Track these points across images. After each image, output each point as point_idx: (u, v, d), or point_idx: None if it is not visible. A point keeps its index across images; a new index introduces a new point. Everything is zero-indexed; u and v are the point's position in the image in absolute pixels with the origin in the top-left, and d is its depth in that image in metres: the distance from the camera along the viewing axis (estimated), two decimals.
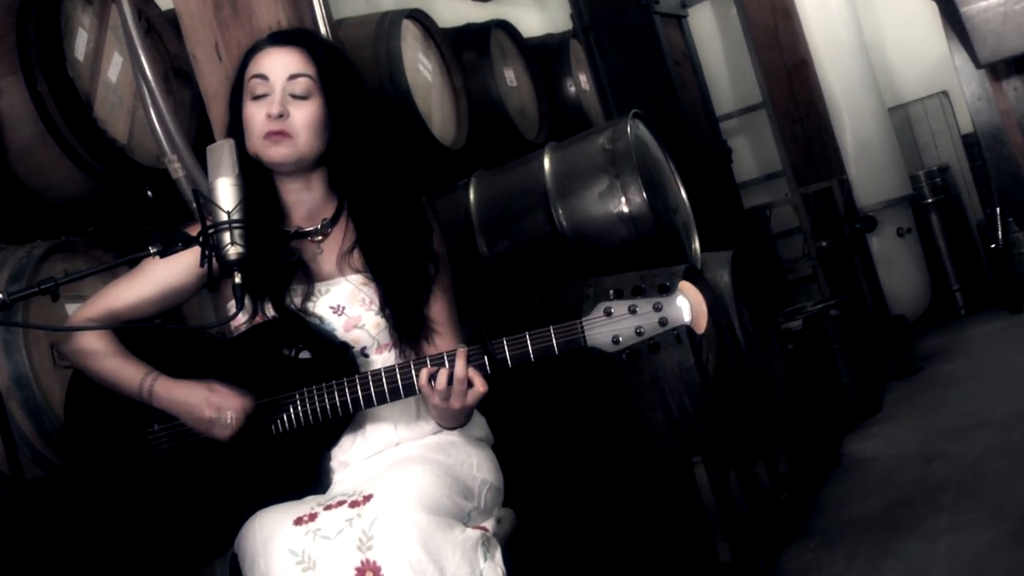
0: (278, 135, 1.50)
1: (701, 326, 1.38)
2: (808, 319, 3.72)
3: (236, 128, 1.55)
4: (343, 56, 1.61)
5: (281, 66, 1.51)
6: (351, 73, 1.58)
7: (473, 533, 1.43)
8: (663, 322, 1.38)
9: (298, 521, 1.39)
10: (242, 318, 1.55)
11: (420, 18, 3.25)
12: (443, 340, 1.56)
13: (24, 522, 1.77)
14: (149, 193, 2.37)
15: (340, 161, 1.56)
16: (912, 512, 2.77)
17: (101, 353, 1.53)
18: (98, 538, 1.80)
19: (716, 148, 4.33)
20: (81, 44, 2.29)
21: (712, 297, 2.65)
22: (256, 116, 1.51)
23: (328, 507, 1.41)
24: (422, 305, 1.55)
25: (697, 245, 2.90)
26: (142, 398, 1.51)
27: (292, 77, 1.51)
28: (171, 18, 2.34)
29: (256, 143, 1.52)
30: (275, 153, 1.51)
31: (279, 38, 1.56)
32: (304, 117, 1.50)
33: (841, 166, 4.96)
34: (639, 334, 1.38)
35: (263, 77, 1.51)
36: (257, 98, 1.52)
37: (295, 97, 1.51)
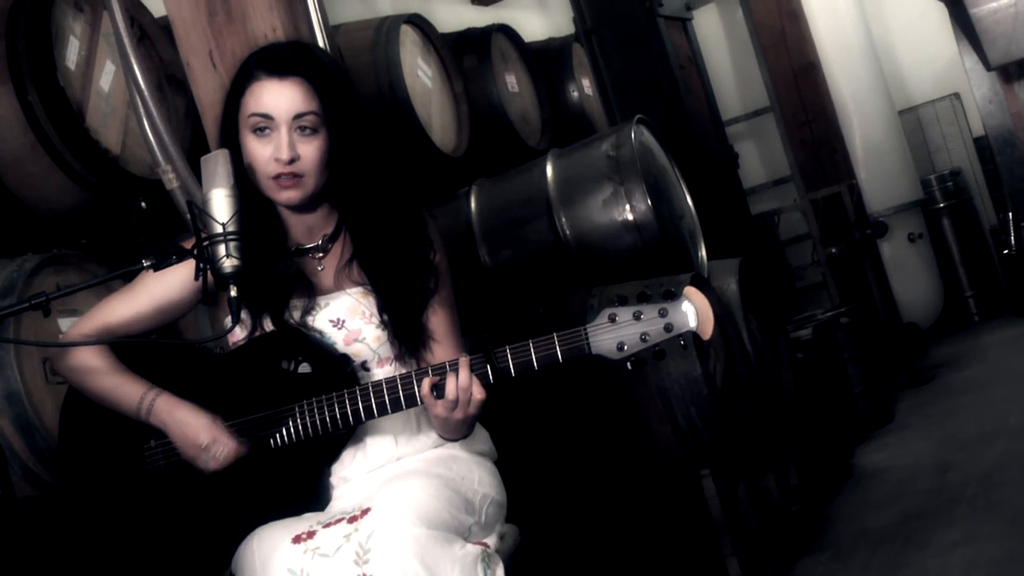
0: (288, 179, 1.47)
1: (707, 332, 1.36)
2: (818, 327, 3.70)
3: (231, 143, 1.51)
4: (339, 70, 1.57)
5: (285, 104, 1.46)
6: (350, 91, 1.54)
7: (473, 549, 1.41)
8: (668, 328, 1.36)
9: (297, 539, 1.38)
10: (242, 333, 1.53)
11: (419, 23, 3.25)
12: (444, 351, 1.54)
13: (15, 543, 1.74)
14: (143, 204, 2.37)
15: (342, 186, 1.53)
16: (926, 524, 2.73)
17: (99, 370, 1.51)
18: (92, 558, 1.77)
19: (722, 153, 4.30)
20: (72, 52, 2.27)
21: (719, 306, 2.61)
22: (260, 154, 1.47)
23: (327, 525, 1.39)
24: (420, 312, 1.53)
25: (704, 253, 2.88)
26: (139, 415, 1.49)
27: (299, 115, 1.46)
28: (164, 25, 2.32)
29: (262, 181, 1.49)
30: (285, 197, 1.49)
31: (277, 67, 1.48)
32: (312, 154, 1.47)
33: (851, 170, 4.93)
34: (644, 340, 1.36)
35: (267, 116, 1.47)
36: (259, 132, 1.48)
37: (301, 132, 1.47)
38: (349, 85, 1.55)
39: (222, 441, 1.44)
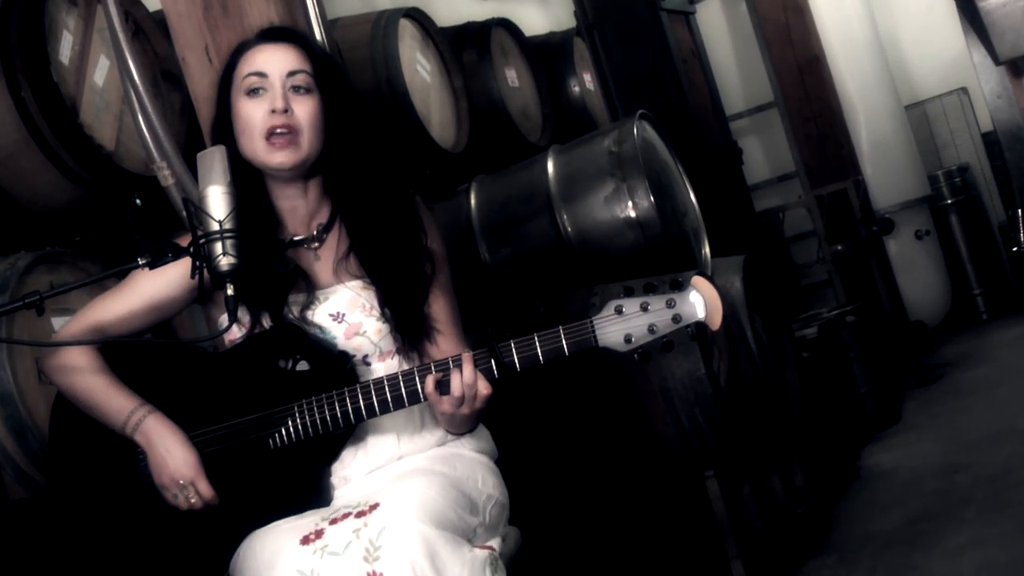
0: (283, 133, 1.46)
1: (716, 322, 1.35)
2: (823, 326, 3.66)
3: (224, 129, 1.52)
4: (332, 57, 1.63)
5: (278, 62, 1.49)
6: (342, 73, 1.58)
7: (481, 553, 1.39)
8: (676, 319, 1.34)
9: (305, 540, 1.36)
10: (239, 331, 1.50)
11: (418, 17, 3.23)
12: (446, 340, 1.53)
13: (8, 545, 1.72)
14: (138, 201, 2.36)
15: (334, 165, 1.52)
16: (934, 526, 2.70)
17: (86, 371, 1.49)
18: (87, 563, 1.74)
19: (726, 149, 4.27)
20: (66, 47, 2.25)
21: (724, 304, 2.57)
22: (255, 113, 1.47)
23: (334, 521, 1.37)
24: (422, 304, 1.52)
25: (707, 250, 2.85)
26: (125, 428, 1.47)
27: (292, 73, 1.48)
28: (159, 19, 2.30)
29: (257, 144, 1.47)
30: (279, 157, 1.47)
31: (271, 35, 1.54)
32: (307, 112, 1.48)
33: (856, 166, 4.89)
34: (652, 332, 1.35)
35: (261, 74, 1.48)
36: (253, 94, 1.48)
37: (295, 91, 1.48)
38: (340, 68, 1.59)
39: (200, 485, 1.43)
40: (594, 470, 2.45)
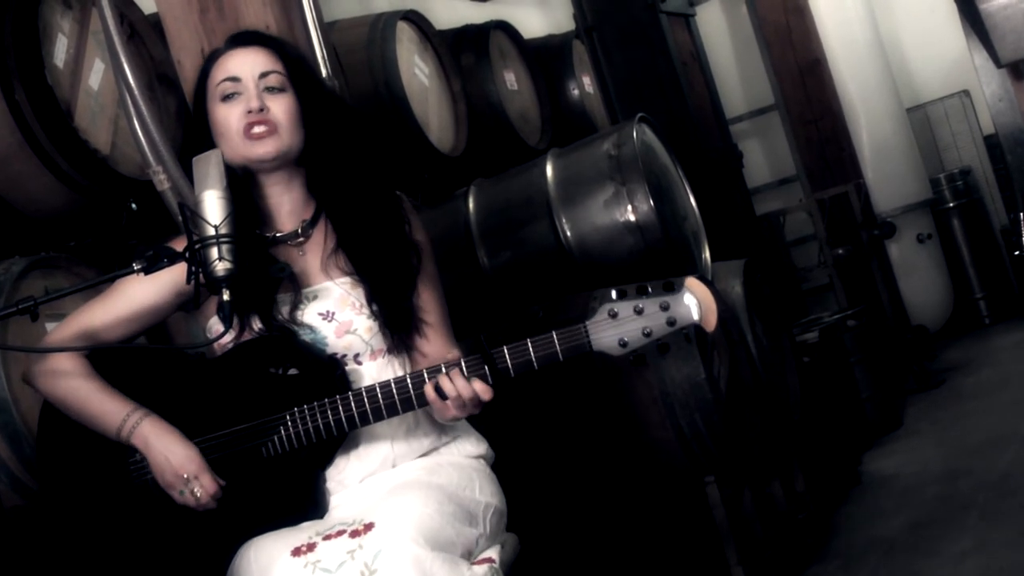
0: (260, 129, 1.47)
1: (711, 323, 1.34)
2: (824, 330, 3.65)
3: (204, 137, 1.52)
4: (304, 57, 1.65)
5: (250, 65, 1.51)
6: (315, 73, 1.63)
7: (479, 569, 1.39)
8: (671, 322, 1.34)
9: (296, 552, 1.35)
10: (229, 336, 1.48)
11: (416, 20, 3.22)
12: (435, 332, 1.53)
13: (3, 553, 1.70)
14: (133, 206, 2.34)
15: (316, 161, 1.53)
16: (936, 532, 2.69)
17: (74, 374, 1.48)
18: (81, 573, 1.72)
19: (726, 152, 4.26)
20: (60, 50, 2.24)
21: (724, 308, 2.56)
22: (231, 116, 1.48)
23: (327, 537, 1.36)
24: (410, 298, 1.52)
25: (707, 254, 2.84)
26: (120, 433, 1.45)
27: (264, 74, 1.50)
28: (155, 22, 2.28)
29: (236, 142, 1.48)
30: (260, 148, 1.47)
31: (241, 40, 1.55)
32: (282, 109, 1.50)
33: (858, 170, 4.88)
34: (647, 335, 1.34)
35: (234, 79, 1.50)
36: (228, 99, 1.49)
37: (269, 92, 1.50)
38: (312, 68, 1.62)
39: (204, 479, 1.41)
40: (593, 476, 2.44)
